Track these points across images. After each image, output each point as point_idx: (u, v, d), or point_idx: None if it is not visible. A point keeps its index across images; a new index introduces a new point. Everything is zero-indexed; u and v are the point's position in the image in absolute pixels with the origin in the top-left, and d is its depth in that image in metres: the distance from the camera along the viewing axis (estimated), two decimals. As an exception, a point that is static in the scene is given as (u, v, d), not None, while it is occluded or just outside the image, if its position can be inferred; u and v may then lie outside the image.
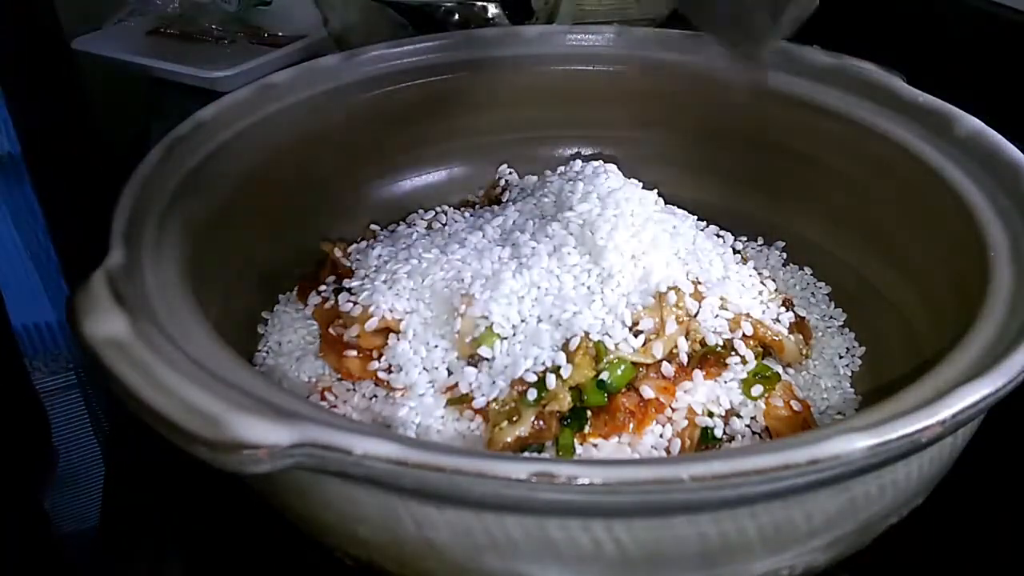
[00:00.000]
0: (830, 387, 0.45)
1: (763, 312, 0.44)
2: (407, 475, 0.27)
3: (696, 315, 0.41)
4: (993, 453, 0.39)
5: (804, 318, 0.47)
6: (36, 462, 0.62)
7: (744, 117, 0.52)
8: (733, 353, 0.41)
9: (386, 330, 0.42)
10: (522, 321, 0.41)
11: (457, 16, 0.69)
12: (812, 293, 0.51)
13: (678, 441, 0.39)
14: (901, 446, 0.29)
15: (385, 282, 0.43)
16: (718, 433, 0.40)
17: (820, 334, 0.48)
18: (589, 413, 0.39)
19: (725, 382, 0.41)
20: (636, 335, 0.40)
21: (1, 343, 0.59)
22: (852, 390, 0.45)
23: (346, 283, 0.44)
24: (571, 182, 0.47)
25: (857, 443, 0.28)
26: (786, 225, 0.53)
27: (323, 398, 0.42)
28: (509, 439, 0.38)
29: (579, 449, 0.39)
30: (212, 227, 0.42)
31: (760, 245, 0.53)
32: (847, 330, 0.49)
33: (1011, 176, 0.41)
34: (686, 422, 0.40)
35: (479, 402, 0.39)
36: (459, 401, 0.40)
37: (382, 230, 0.51)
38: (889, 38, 0.63)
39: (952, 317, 0.39)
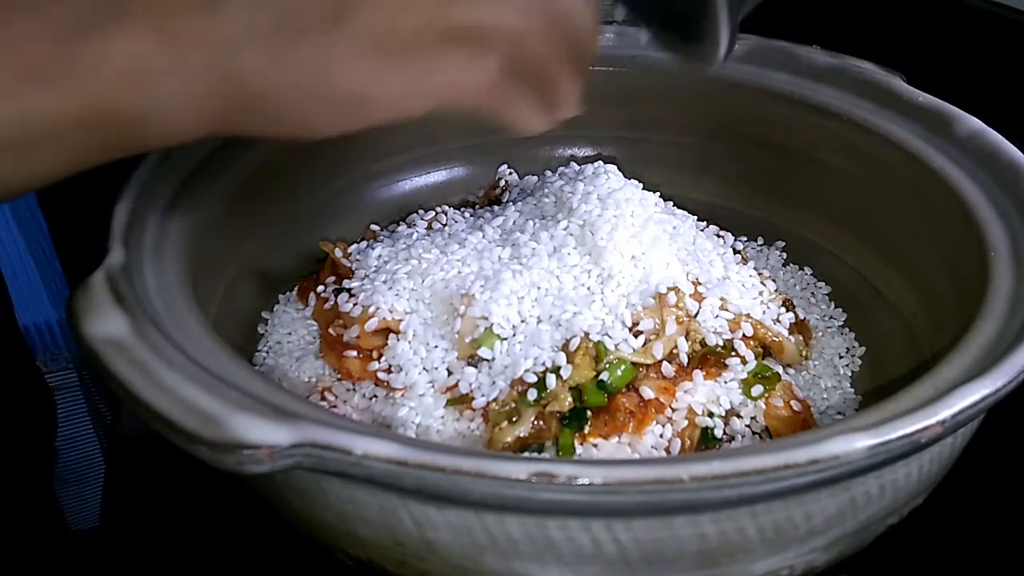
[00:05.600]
0: (830, 387, 0.45)
1: (763, 312, 0.44)
2: (407, 475, 0.27)
3: (696, 315, 0.41)
4: (993, 453, 0.39)
5: (804, 319, 0.47)
6: (41, 454, 0.63)
7: (744, 117, 0.52)
8: (733, 353, 0.41)
9: (386, 330, 0.42)
10: (522, 321, 0.41)
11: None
12: (812, 293, 0.51)
13: (678, 441, 0.39)
14: (901, 446, 0.29)
15: (385, 282, 0.43)
16: (718, 433, 0.39)
17: (820, 334, 0.48)
18: (589, 413, 0.39)
19: (725, 382, 0.41)
20: (636, 335, 0.40)
21: (9, 339, 0.60)
22: (852, 390, 0.45)
23: (346, 283, 0.44)
24: (571, 182, 0.47)
25: (857, 443, 0.28)
26: (786, 225, 0.53)
27: (323, 398, 0.42)
28: (509, 439, 0.38)
29: (579, 449, 0.39)
30: (212, 227, 0.42)
31: (760, 245, 0.53)
32: (847, 330, 0.49)
33: (1011, 176, 0.41)
34: (686, 422, 0.40)
35: (479, 402, 0.39)
36: (459, 401, 0.40)
37: (382, 230, 0.51)
38: (889, 38, 0.63)
39: (952, 317, 0.39)
